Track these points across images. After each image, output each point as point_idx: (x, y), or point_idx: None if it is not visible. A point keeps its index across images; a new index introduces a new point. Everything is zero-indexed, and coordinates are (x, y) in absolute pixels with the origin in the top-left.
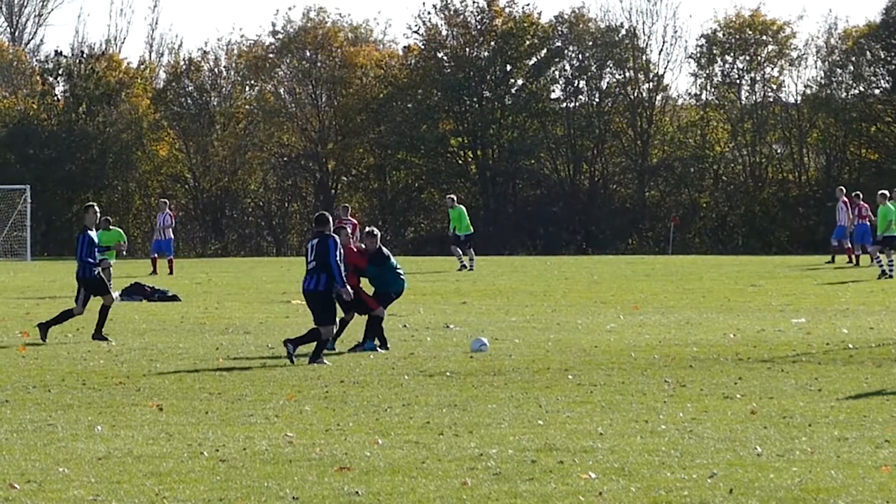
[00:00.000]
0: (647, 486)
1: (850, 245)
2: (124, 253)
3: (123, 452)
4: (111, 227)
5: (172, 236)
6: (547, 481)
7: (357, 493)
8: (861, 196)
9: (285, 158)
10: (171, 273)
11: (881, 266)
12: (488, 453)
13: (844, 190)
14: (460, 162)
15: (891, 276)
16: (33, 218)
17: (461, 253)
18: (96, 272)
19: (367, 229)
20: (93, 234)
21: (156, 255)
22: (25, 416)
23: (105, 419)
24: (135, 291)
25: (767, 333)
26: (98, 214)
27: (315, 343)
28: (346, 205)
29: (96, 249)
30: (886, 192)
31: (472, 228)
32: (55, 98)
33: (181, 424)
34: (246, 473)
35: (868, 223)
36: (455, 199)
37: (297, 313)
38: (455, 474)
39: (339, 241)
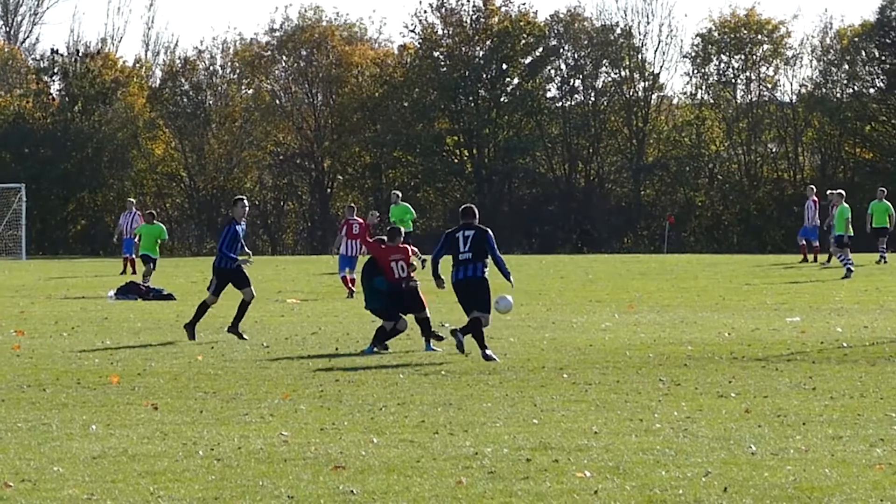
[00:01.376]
0: (641, 484)
1: (804, 243)
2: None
3: (118, 451)
4: (155, 221)
5: None
6: (542, 480)
7: (352, 491)
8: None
9: (281, 157)
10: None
11: (848, 266)
12: (483, 452)
13: (815, 189)
14: (456, 161)
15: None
16: (28, 216)
17: None
18: (235, 265)
19: (391, 228)
20: (240, 227)
21: (128, 255)
22: (20, 415)
23: (100, 418)
24: (130, 290)
25: (762, 332)
26: (246, 208)
27: (475, 331)
28: (353, 205)
29: (238, 244)
30: (843, 192)
31: (412, 227)
32: (50, 97)
33: (176, 423)
34: (241, 472)
35: None
36: (400, 195)
37: (293, 312)
38: (450, 473)
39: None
